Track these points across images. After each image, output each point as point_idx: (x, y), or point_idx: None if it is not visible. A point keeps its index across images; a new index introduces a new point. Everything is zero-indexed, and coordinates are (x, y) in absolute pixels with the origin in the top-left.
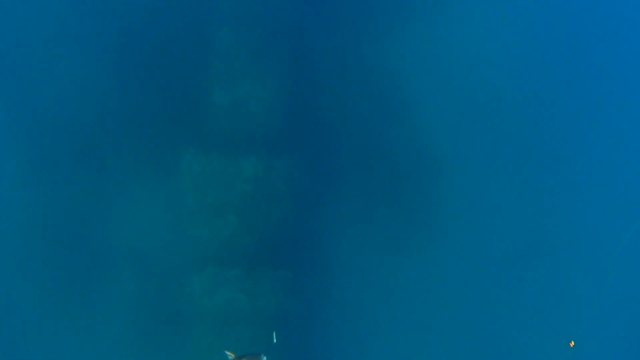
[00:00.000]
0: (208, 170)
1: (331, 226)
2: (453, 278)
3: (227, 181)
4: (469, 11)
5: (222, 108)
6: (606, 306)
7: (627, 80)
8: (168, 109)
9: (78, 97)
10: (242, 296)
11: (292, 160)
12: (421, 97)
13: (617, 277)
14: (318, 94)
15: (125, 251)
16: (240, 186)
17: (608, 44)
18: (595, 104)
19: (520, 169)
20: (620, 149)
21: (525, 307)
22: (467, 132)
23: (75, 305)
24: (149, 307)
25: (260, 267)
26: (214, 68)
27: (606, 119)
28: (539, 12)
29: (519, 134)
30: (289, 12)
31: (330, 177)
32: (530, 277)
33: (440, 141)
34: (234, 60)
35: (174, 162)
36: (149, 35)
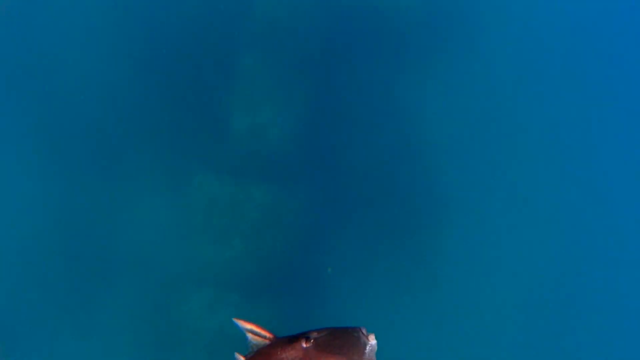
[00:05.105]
0: (218, 192)
1: (333, 262)
2: (457, 322)
3: (236, 206)
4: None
5: (240, 132)
6: None
7: None
8: (187, 128)
9: (100, 103)
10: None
11: (302, 193)
12: (442, 144)
13: None
14: (337, 129)
15: (128, 259)
16: (248, 213)
17: None
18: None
19: (529, 225)
20: None
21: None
22: (481, 184)
23: (74, 309)
24: (145, 319)
25: (258, 295)
26: (237, 92)
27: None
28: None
29: (531, 186)
30: (318, 42)
31: (338, 214)
32: (536, 330)
33: (453, 189)
34: (257, 86)
35: (187, 179)
36: (174, 54)
